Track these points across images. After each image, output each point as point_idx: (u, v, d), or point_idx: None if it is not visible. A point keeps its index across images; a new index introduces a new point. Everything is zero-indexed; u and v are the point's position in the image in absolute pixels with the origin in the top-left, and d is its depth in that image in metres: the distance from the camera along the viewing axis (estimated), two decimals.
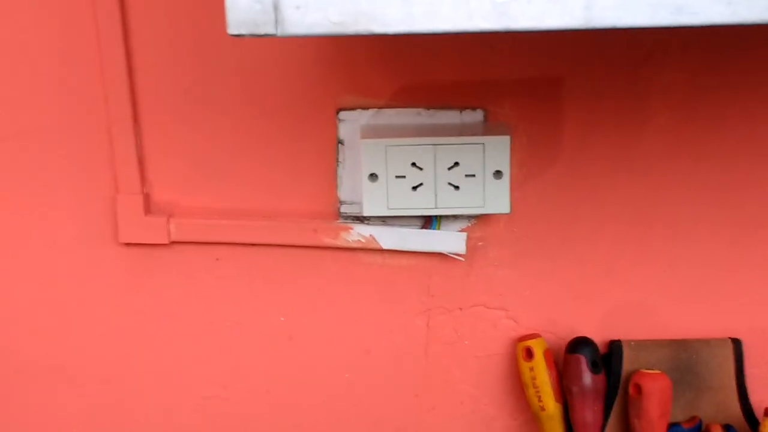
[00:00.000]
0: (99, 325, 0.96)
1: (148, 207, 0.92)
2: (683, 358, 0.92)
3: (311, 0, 0.51)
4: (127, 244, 0.93)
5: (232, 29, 0.51)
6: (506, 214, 0.88)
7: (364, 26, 0.51)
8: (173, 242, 0.92)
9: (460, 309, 0.94)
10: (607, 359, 0.92)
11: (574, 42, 0.86)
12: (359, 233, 0.90)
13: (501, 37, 0.85)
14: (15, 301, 0.96)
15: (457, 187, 0.86)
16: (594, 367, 0.90)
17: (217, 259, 0.94)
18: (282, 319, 0.95)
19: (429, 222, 0.90)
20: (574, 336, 0.92)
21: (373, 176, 0.86)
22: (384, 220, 0.91)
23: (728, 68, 0.86)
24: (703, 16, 0.50)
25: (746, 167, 0.89)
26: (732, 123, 0.88)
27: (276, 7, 0.51)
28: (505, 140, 0.84)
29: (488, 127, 0.87)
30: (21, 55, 0.88)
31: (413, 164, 0.85)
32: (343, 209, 0.91)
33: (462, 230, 0.91)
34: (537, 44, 0.86)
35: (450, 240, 0.91)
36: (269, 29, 0.51)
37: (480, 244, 0.92)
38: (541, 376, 0.91)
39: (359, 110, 0.88)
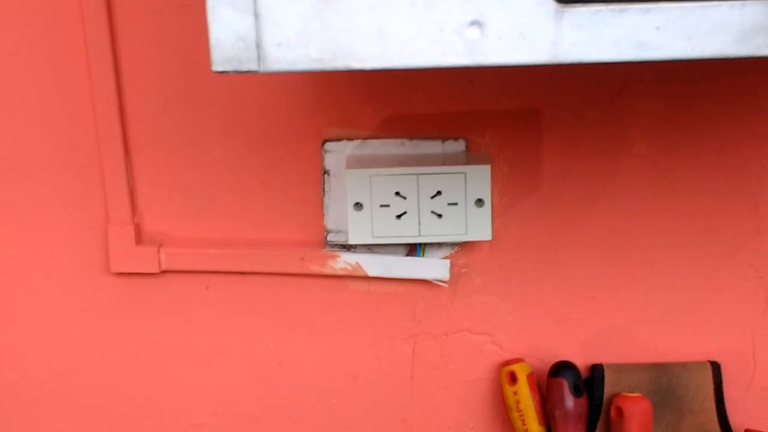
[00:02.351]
0: (91, 353, 0.98)
1: (139, 237, 0.94)
2: (663, 381, 0.93)
3: (292, 37, 0.53)
4: (119, 274, 0.95)
5: (217, 66, 0.53)
6: (488, 241, 0.90)
7: (343, 62, 0.54)
8: (164, 271, 0.94)
9: (446, 335, 0.96)
10: (589, 383, 0.94)
11: (551, 74, 0.88)
12: (346, 261, 0.92)
13: (479, 70, 0.87)
14: (9, 329, 0.97)
15: (440, 216, 0.88)
16: (576, 391, 0.91)
17: (207, 288, 0.95)
18: (271, 346, 0.97)
19: (413, 249, 0.92)
20: (557, 360, 0.94)
21: (358, 205, 0.88)
22: (370, 248, 0.93)
23: (703, 98, 0.89)
24: (665, 51, 0.53)
25: (722, 193, 0.92)
26: (707, 150, 0.90)
27: (258, 45, 0.53)
28: (486, 169, 0.87)
29: (470, 157, 0.89)
30: (15, 93, 0.90)
31: (397, 193, 0.88)
32: (330, 238, 0.93)
33: (446, 257, 0.93)
34: (515, 77, 0.88)
35: (434, 267, 0.93)
36: (252, 66, 0.53)
37: (464, 270, 0.94)
38: (525, 400, 0.92)
39: (344, 141, 0.91)
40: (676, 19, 0.52)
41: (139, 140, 0.91)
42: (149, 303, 0.96)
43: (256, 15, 0.53)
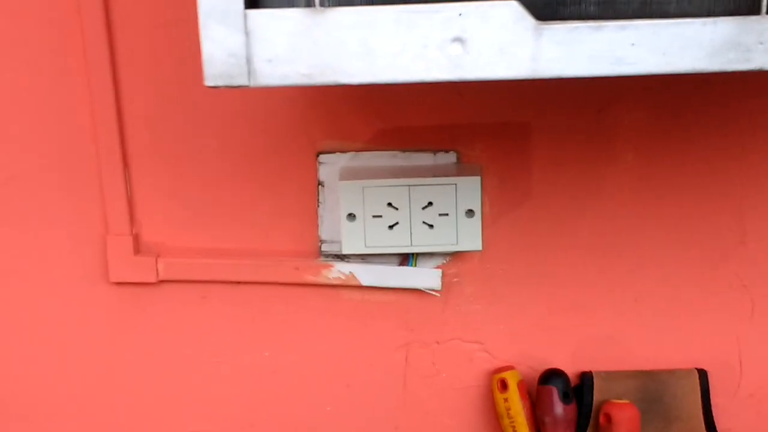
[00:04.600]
0: (89, 360, 0.99)
1: (138, 247, 0.95)
2: (651, 388, 0.95)
3: (282, 53, 0.55)
4: (117, 283, 0.97)
5: (209, 81, 0.56)
6: (479, 251, 0.92)
7: (330, 77, 0.56)
8: (161, 281, 0.96)
9: (437, 343, 0.98)
10: (579, 390, 0.95)
11: (539, 87, 0.90)
12: (339, 271, 0.94)
13: (469, 84, 0.89)
14: (9, 337, 0.99)
15: (431, 226, 0.90)
16: (565, 398, 0.93)
17: (204, 297, 0.97)
18: (266, 354, 0.99)
19: (406, 259, 0.94)
20: (547, 368, 0.96)
21: (351, 216, 0.90)
22: (363, 257, 0.94)
23: (687, 109, 0.91)
24: (640, 66, 0.55)
25: (707, 203, 0.93)
26: (692, 161, 0.92)
27: (249, 61, 0.55)
28: (476, 181, 0.89)
29: (460, 168, 0.91)
30: (15, 105, 0.92)
31: (389, 204, 0.90)
32: (324, 248, 0.95)
33: (437, 267, 0.95)
34: (504, 90, 0.90)
35: (426, 277, 0.94)
36: (243, 81, 0.55)
37: (455, 280, 0.96)
38: (515, 407, 0.94)
39: (338, 153, 0.93)
40: (651, 35, 0.54)
41: (138, 152, 0.93)
42: (147, 312, 0.98)
43: (247, 33, 0.55)
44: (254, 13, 0.55)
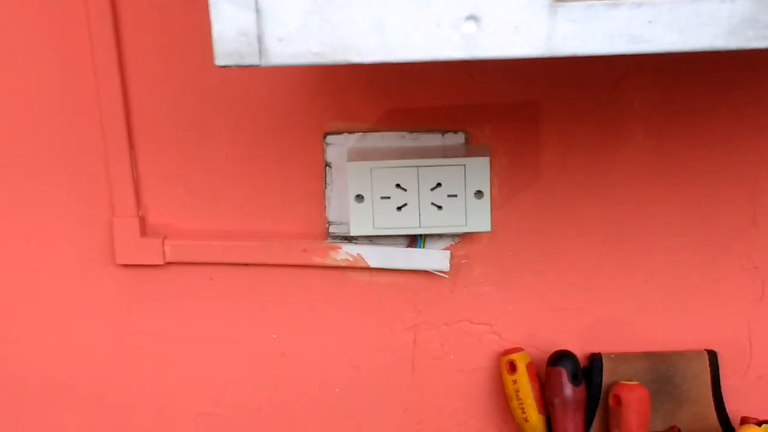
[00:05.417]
0: (96, 343, 0.99)
1: (144, 229, 0.95)
2: (661, 370, 0.95)
3: (293, 32, 0.54)
4: (124, 266, 0.96)
5: (219, 60, 0.55)
6: (488, 232, 0.91)
7: (342, 56, 0.55)
8: (168, 263, 0.96)
9: (446, 325, 0.98)
10: (588, 372, 0.95)
11: (549, 67, 0.89)
12: (347, 252, 0.94)
13: (478, 63, 0.88)
14: (16, 321, 0.99)
15: (440, 207, 0.89)
16: (575, 380, 0.93)
17: (211, 279, 0.97)
18: (274, 336, 0.99)
19: (414, 241, 0.94)
20: (556, 349, 0.95)
21: (359, 197, 0.89)
22: (371, 239, 0.94)
23: (700, 89, 0.90)
24: (657, 44, 0.54)
25: (719, 184, 0.93)
26: (704, 142, 0.92)
27: (260, 40, 0.54)
28: (485, 161, 0.88)
29: (469, 149, 0.91)
30: (21, 89, 0.92)
31: (398, 185, 0.89)
32: (332, 229, 0.95)
33: (446, 248, 0.95)
34: (514, 70, 0.90)
35: (434, 258, 0.94)
36: (253, 60, 0.55)
37: (464, 261, 0.95)
38: (524, 389, 0.94)
39: (346, 134, 0.92)
40: (668, 12, 0.53)
41: (144, 133, 0.93)
42: (154, 294, 0.98)
43: (258, 10, 0.54)
44: None
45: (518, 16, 0.54)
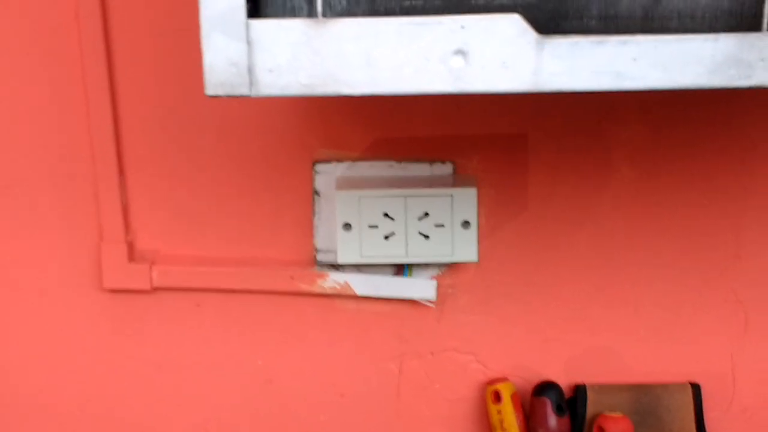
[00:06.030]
0: (82, 367, 0.99)
1: (132, 255, 0.95)
2: (645, 402, 0.95)
3: (283, 63, 0.55)
4: (111, 290, 0.96)
5: (210, 90, 0.55)
6: (475, 262, 0.92)
7: (332, 88, 0.56)
8: (155, 288, 0.96)
9: (432, 354, 0.98)
10: (572, 402, 0.95)
11: (537, 100, 0.90)
12: (335, 280, 0.94)
13: (465, 95, 0.89)
14: (3, 344, 0.99)
15: (427, 237, 0.90)
16: (559, 410, 0.93)
17: (198, 305, 0.97)
18: (260, 362, 0.98)
19: (401, 270, 0.94)
20: (541, 380, 0.96)
21: (347, 226, 0.90)
22: (358, 267, 0.94)
23: (685, 124, 0.91)
24: (641, 82, 0.55)
25: (704, 217, 0.94)
26: (690, 175, 0.92)
27: (250, 71, 0.55)
28: (472, 192, 0.89)
29: (457, 179, 0.91)
30: (11, 112, 0.92)
31: (385, 214, 0.89)
32: (319, 257, 0.95)
33: (433, 278, 0.95)
34: (502, 102, 0.90)
35: (421, 287, 0.94)
36: (244, 91, 0.55)
37: (450, 291, 0.96)
38: (509, 419, 0.94)
39: (334, 163, 0.93)
40: (653, 50, 0.54)
41: (134, 159, 0.93)
42: (141, 319, 0.97)
43: (249, 42, 0.55)
44: (257, 23, 0.55)
45: (505, 52, 0.54)
